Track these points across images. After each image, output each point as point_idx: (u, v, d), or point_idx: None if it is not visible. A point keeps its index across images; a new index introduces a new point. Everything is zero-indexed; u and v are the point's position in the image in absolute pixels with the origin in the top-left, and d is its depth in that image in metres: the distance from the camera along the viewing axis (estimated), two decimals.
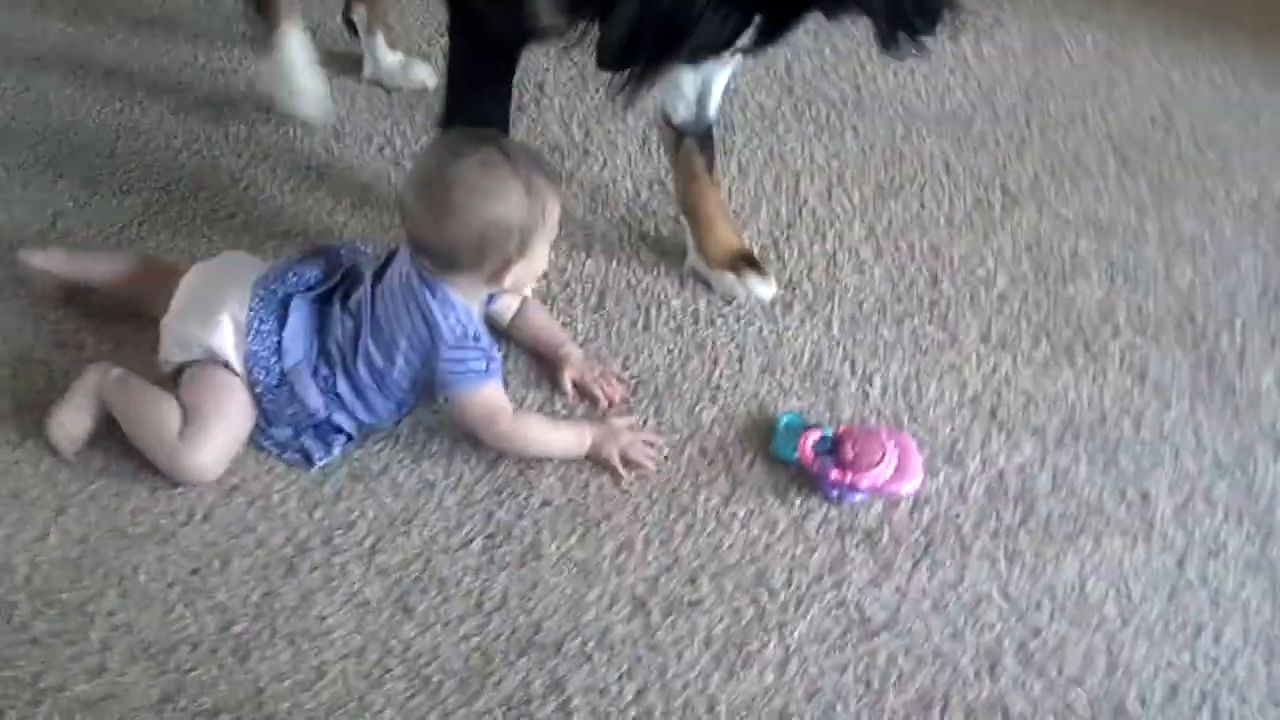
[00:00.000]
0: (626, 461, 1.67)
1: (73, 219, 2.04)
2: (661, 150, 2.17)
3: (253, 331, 1.66)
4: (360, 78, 2.32)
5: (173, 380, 1.72)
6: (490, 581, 1.55)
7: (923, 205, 2.10)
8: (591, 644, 1.49)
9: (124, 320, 1.85)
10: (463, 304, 1.63)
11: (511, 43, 1.72)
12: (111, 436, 1.69)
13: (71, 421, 1.67)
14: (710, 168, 1.90)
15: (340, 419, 1.69)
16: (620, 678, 1.46)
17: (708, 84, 1.80)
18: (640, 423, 1.74)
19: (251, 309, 1.67)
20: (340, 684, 1.45)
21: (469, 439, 1.69)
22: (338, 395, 1.68)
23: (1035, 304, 1.92)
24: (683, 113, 1.83)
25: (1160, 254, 2.01)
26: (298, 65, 2.15)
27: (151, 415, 1.66)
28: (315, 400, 1.67)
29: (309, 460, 1.67)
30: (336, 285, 1.72)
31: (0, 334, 1.85)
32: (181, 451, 1.63)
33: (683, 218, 1.96)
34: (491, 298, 1.74)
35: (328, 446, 1.68)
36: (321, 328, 1.69)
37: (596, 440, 1.68)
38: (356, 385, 1.67)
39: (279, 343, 1.67)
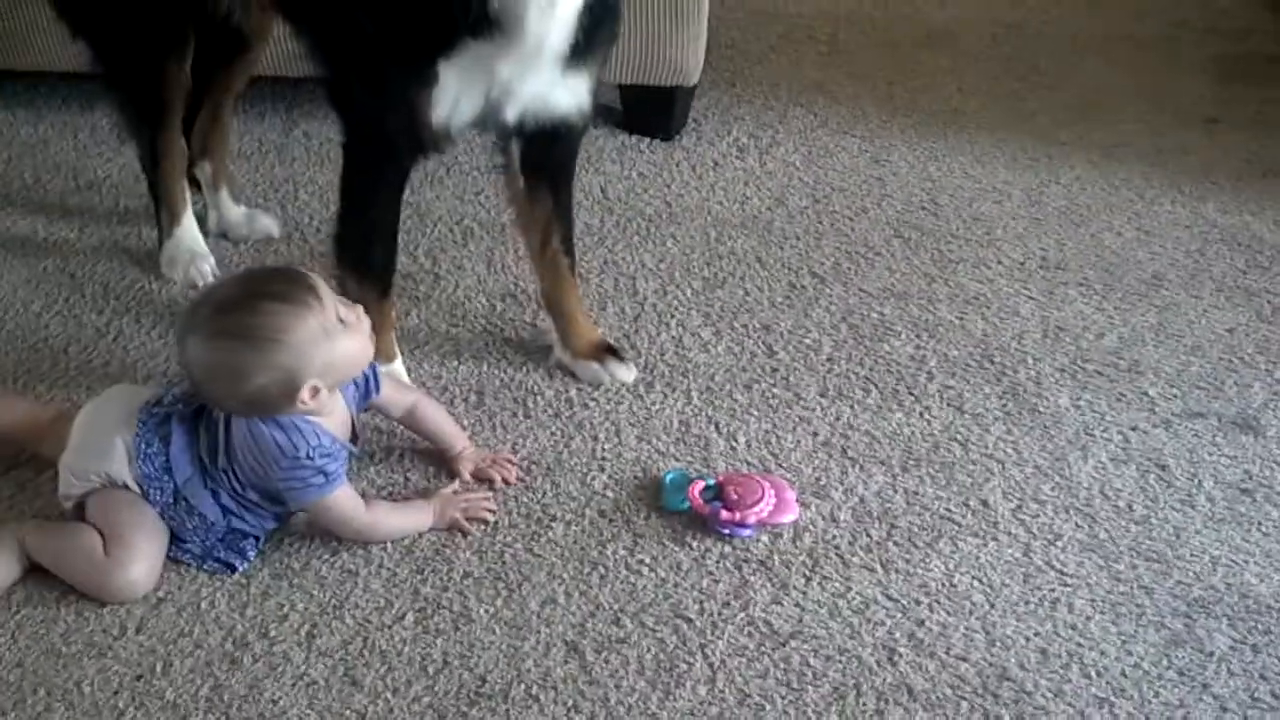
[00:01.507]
0: (470, 518, 1.81)
1: None
2: (505, 267, 2.38)
3: (141, 455, 1.72)
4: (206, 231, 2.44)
5: (75, 516, 1.77)
6: (429, 648, 1.65)
7: (746, 293, 2.34)
8: (535, 687, 1.60)
9: (18, 466, 1.90)
10: (293, 424, 1.69)
11: (406, 153, 1.88)
12: (28, 576, 1.73)
13: (2, 572, 1.70)
14: (572, 269, 2.10)
15: (239, 524, 1.76)
16: (569, 712, 1.57)
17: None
18: (460, 485, 1.88)
19: (137, 434, 1.73)
20: None
21: None
22: (226, 505, 1.75)
23: (859, 361, 2.17)
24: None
25: (952, 311, 2.30)
26: (194, 246, 2.35)
27: (75, 546, 1.71)
28: (213, 512, 1.74)
29: (231, 569, 1.74)
30: (205, 405, 1.78)
31: None
32: (112, 571, 1.68)
33: (546, 315, 2.14)
34: (364, 398, 1.84)
35: (242, 553, 1.75)
36: (195, 445, 1.75)
37: (438, 511, 1.81)
38: (237, 498, 1.75)
39: (166, 461, 1.73)
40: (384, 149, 1.86)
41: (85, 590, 1.69)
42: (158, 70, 2.15)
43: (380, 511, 1.80)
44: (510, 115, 1.82)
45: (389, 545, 1.79)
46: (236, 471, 1.73)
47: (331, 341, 1.67)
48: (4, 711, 1.56)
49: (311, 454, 1.68)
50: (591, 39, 1.75)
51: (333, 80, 1.92)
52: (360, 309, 1.75)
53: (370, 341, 1.76)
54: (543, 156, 1.99)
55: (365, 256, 1.91)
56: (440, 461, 1.94)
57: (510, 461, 1.93)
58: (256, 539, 1.77)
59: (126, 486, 1.74)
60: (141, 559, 1.69)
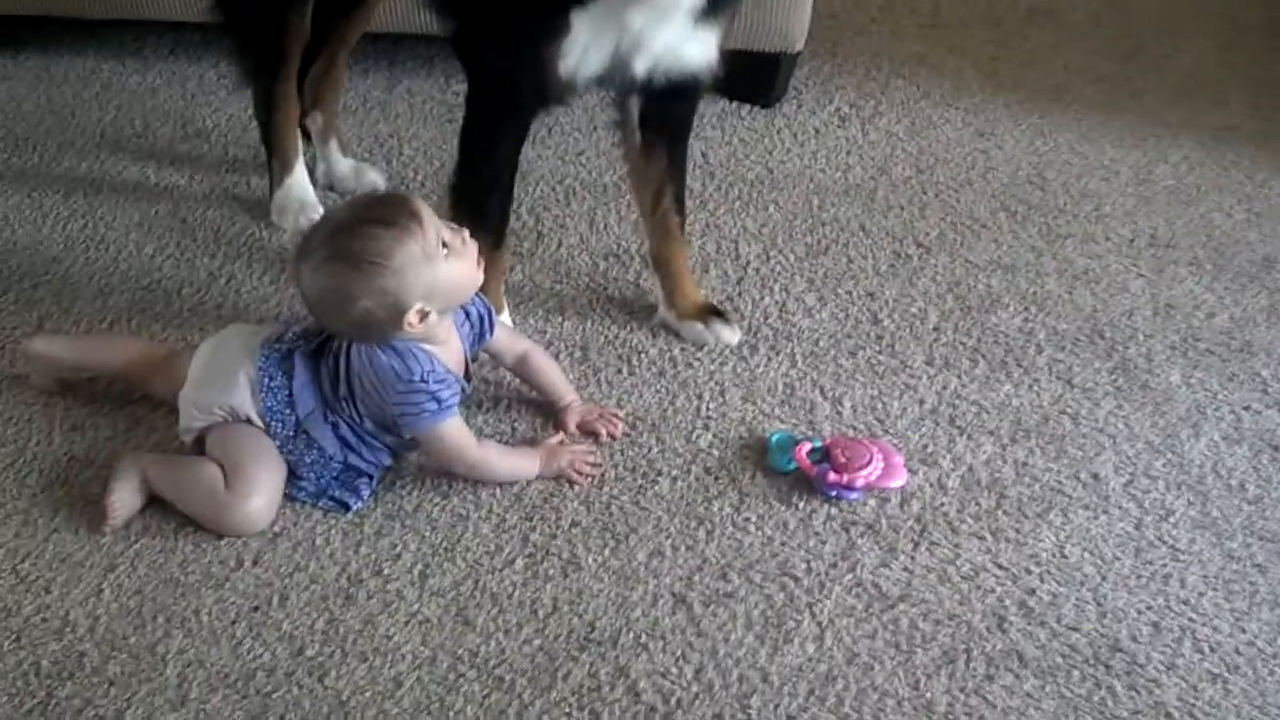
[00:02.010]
0: (577, 470, 1.83)
1: (60, 319, 2.12)
2: (608, 226, 2.38)
3: (264, 389, 1.76)
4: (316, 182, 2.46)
5: (195, 450, 1.80)
6: (539, 592, 1.66)
7: (850, 260, 2.33)
8: (644, 636, 1.61)
9: (133, 403, 1.93)
10: (408, 349, 1.72)
11: (530, 105, 1.88)
12: (146, 508, 1.77)
13: (124, 502, 1.74)
14: (682, 228, 2.09)
15: (356, 460, 1.79)
16: (677, 661, 1.58)
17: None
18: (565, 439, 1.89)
19: (260, 368, 1.77)
20: (419, 690, 1.53)
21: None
22: (345, 439, 1.78)
23: (966, 332, 2.15)
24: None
25: (1061, 285, 2.28)
26: (304, 196, 2.37)
27: (196, 478, 1.74)
28: (331, 445, 1.77)
29: (345, 507, 1.77)
30: (328, 338, 1.81)
31: (14, 425, 1.91)
32: (233, 503, 1.71)
33: (652, 274, 2.14)
34: (478, 339, 1.86)
35: (356, 492, 1.78)
36: (317, 379, 1.79)
37: (544, 460, 1.83)
38: (355, 430, 1.78)
39: (289, 395, 1.76)
40: (509, 100, 1.86)
41: (205, 522, 1.73)
42: (279, 19, 2.16)
43: (491, 450, 1.82)
44: (640, 68, 1.81)
45: (498, 492, 1.81)
46: (356, 400, 1.75)
47: (434, 265, 1.68)
48: (125, 636, 1.59)
49: (425, 377, 1.70)
50: None
51: (459, 30, 1.92)
52: (466, 233, 1.75)
53: (477, 268, 1.76)
54: (663, 113, 1.98)
55: (482, 207, 1.92)
56: (547, 413, 1.95)
57: (616, 416, 1.94)
58: (371, 478, 1.80)
59: (249, 420, 1.77)
60: (261, 492, 1.72)
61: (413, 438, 1.78)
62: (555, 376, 1.96)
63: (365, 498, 1.78)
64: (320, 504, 1.77)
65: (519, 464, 1.83)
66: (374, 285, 1.65)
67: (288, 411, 1.77)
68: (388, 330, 1.70)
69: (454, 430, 1.77)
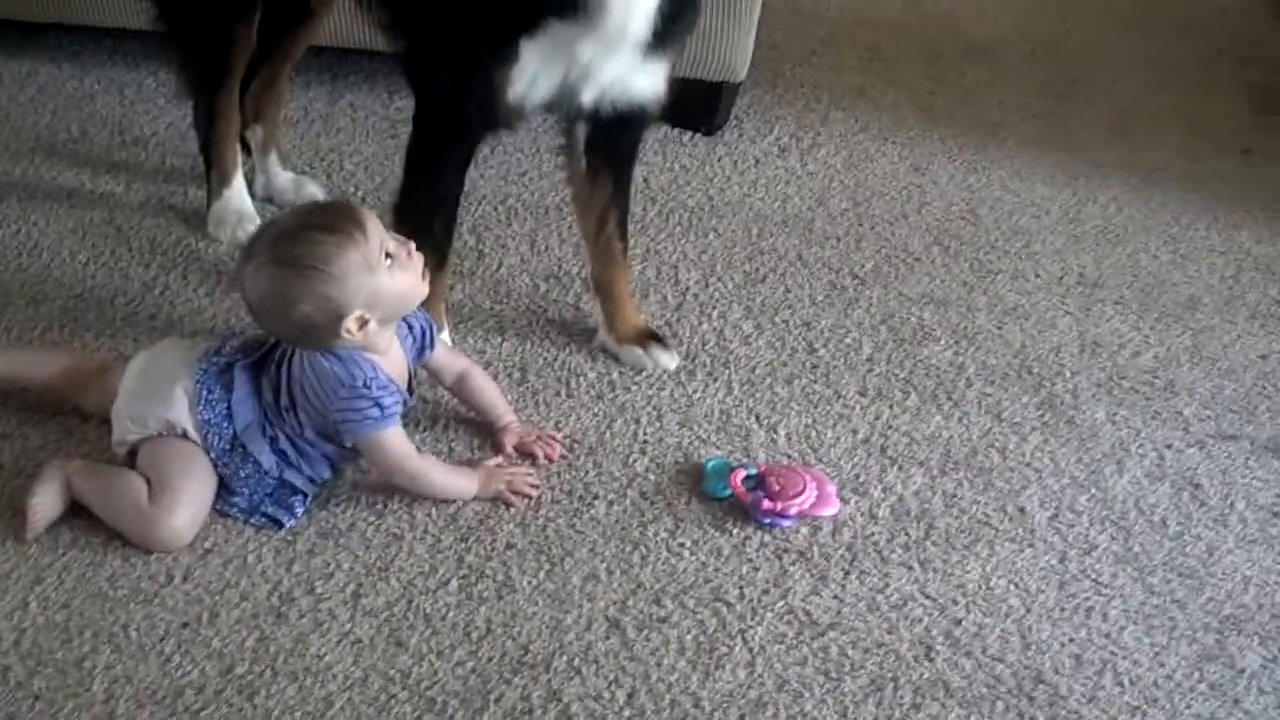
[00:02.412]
0: (514, 491, 1.83)
1: None
2: (549, 248, 2.40)
3: (202, 401, 1.75)
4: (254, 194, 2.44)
5: (127, 464, 1.78)
6: (473, 614, 1.67)
7: (787, 289, 2.36)
8: (577, 660, 1.62)
9: (64, 414, 1.91)
10: (351, 356, 1.73)
11: (478, 129, 1.89)
12: (74, 517, 1.74)
13: (46, 506, 1.71)
14: (625, 254, 2.11)
15: (291, 476, 1.78)
16: (610, 685, 1.59)
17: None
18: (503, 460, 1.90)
19: (198, 380, 1.76)
20: (350, 711, 1.53)
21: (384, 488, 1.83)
22: (283, 452, 1.78)
23: (898, 364, 2.19)
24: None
25: (991, 320, 2.32)
26: (243, 208, 2.36)
27: (120, 489, 1.73)
28: (268, 460, 1.77)
29: (278, 524, 1.75)
30: (269, 351, 1.82)
31: None
32: (156, 517, 1.69)
33: (593, 297, 2.16)
34: (420, 353, 1.86)
35: (290, 509, 1.77)
36: (260, 393, 1.79)
37: (482, 481, 1.83)
38: (294, 443, 1.78)
39: (228, 408, 1.76)
40: (456, 122, 1.88)
41: (128, 535, 1.71)
42: (225, 31, 2.16)
43: (431, 463, 1.83)
44: (588, 97, 1.83)
45: (433, 512, 1.81)
46: (297, 409, 1.75)
47: (375, 275, 1.70)
48: (51, 650, 1.57)
49: (369, 383, 1.71)
50: (673, 25, 1.77)
51: (410, 51, 1.93)
52: (412, 246, 1.76)
53: (422, 281, 1.77)
54: (610, 140, 2.00)
55: (426, 227, 1.92)
56: (485, 434, 1.96)
57: (554, 438, 1.95)
58: (305, 496, 1.79)
59: (185, 434, 1.75)
60: (185, 507, 1.71)
61: (354, 446, 1.78)
62: (494, 397, 1.96)
63: (299, 515, 1.77)
64: (253, 520, 1.76)
65: (458, 482, 1.83)
66: (314, 290, 1.67)
67: (225, 425, 1.76)
68: (327, 336, 1.70)
69: (395, 439, 1.77)
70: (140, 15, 2.26)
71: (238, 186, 2.35)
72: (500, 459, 1.90)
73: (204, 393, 1.75)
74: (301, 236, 1.69)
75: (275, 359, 1.79)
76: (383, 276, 1.70)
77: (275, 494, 1.78)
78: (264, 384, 1.78)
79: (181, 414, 1.75)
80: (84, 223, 2.38)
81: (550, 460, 1.92)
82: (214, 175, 2.34)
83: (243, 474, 1.76)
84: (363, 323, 1.70)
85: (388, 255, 1.71)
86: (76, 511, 1.74)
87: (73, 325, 2.11)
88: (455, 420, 1.98)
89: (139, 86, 2.85)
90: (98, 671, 1.55)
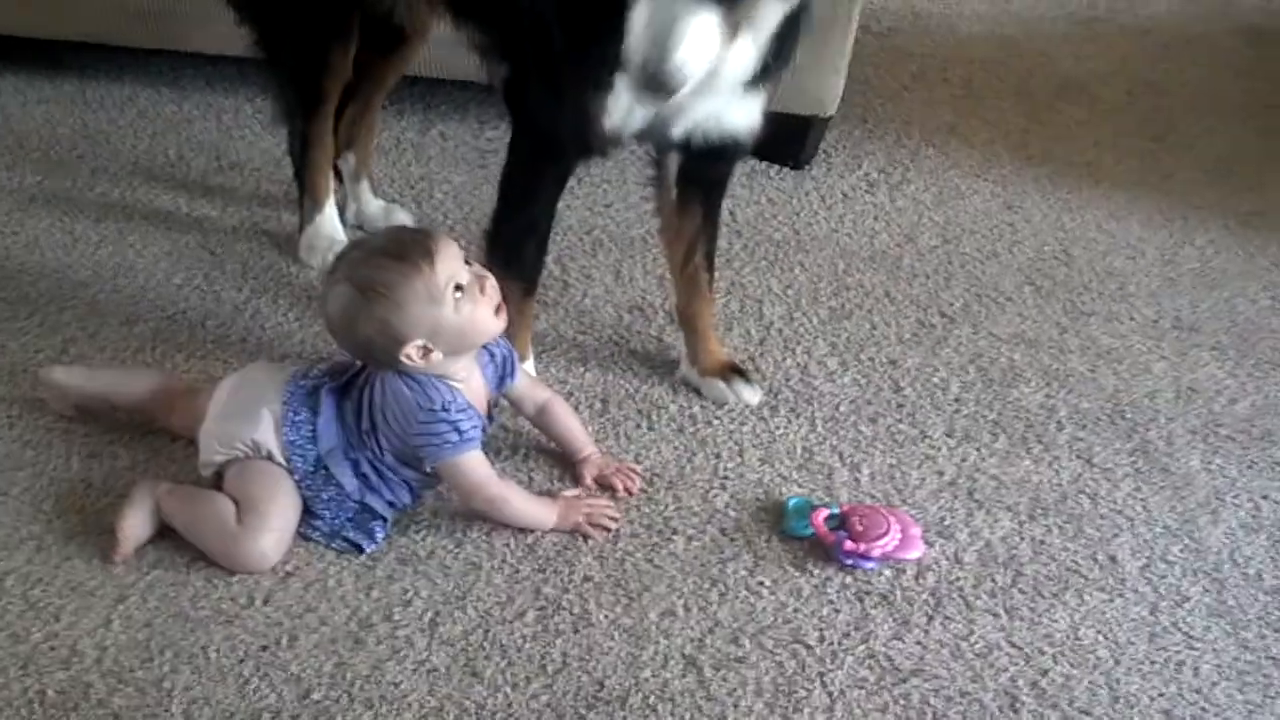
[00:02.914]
0: (593, 524, 1.82)
1: (84, 345, 2.13)
2: (633, 279, 2.39)
3: (288, 422, 1.77)
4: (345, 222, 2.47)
5: (213, 486, 1.80)
6: (549, 647, 1.65)
7: (873, 326, 2.33)
8: (653, 697, 1.60)
9: (152, 434, 1.94)
10: (430, 381, 1.74)
11: (573, 155, 1.89)
12: (159, 538, 1.77)
13: (135, 529, 1.74)
14: (710, 286, 2.10)
15: (372, 500, 1.79)
16: None
17: (669, 23, 1.54)
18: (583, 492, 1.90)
19: (285, 402, 1.79)
20: None
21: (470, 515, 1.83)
22: (365, 476, 1.79)
23: (987, 405, 2.15)
24: (644, 51, 1.56)
25: (1084, 363, 2.27)
26: (334, 234, 2.38)
27: (208, 512, 1.74)
28: (350, 483, 1.78)
29: (358, 549, 1.76)
30: (355, 375, 1.84)
31: (33, 449, 1.91)
32: (243, 540, 1.71)
33: (677, 329, 2.15)
34: (501, 381, 1.87)
35: (370, 534, 1.78)
36: (341, 415, 1.80)
37: (561, 513, 1.83)
38: (376, 467, 1.79)
39: (313, 430, 1.78)
40: (552, 148, 1.88)
41: (215, 557, 1.72)
42: (321, 58, 2.19)
43: (511, 489, 1.82)
44: (680, 129, 1.83)
45: (511, 542, 1.80)
46: (378, 434, 1.76)
47: (438, 306, 1.71)
48: (132, 669, 1.58)
49: (447, 406, 1.72)
50: (773, 62, 1.76)
51: (510, 78, 1.94)
52: (490, 281, 1.77)
53: (496, 317, 1.77)
54: (701, 172, 1.99)
55: (518, 253, 1.93)
56: (564, 464, 1.95)
57: (634, 471, 1.93)
58: (385, 520, 1.79)
59: (270, 456, 1.77)
60: (272, 530, 1.73)
61: (434, 471, 1.78)
62: (574, 427, 1.95)
63: (379, 540, 1.78)
64: (334, 545, 1.77)
65: (537, 511, 1.83)
66: (375, 314, 1.70)
67: (309, 446, 1.77)
68: (387, 359, 1.73)
69: (474, 463, 1.77)
70: (238, 42, 2.30)
71: (329, 213, 2.38)
72: (579, 490, 1.89)
73: (290, 414, 1.77)
74: (372, 260, 1.73)
75: (359, 384, 1.81)
76: (446, 309, 1.71)
77: (356, 518, 1.79)
78: (347, 408, 1.80)
79: (267, 435, 1.77)
80: (179, 245, 2.42)
81: (629, 493, 1.90)
82: (307, 201, 2.37)
83: (325, 496, 1.77)
84: (425, 351, 1.71)
85: (458, 288, 1.72)
86: (162, 532, 1.76)
87: (165, 346, 2.14)
88: (535, 450, 1.98)
89: (236, 112, 2.90)
90: (176, 692, 1.56)
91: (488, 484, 1.79)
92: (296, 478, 1.77)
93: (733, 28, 1.59)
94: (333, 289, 1.74)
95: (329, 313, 1.76)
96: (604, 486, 1.91)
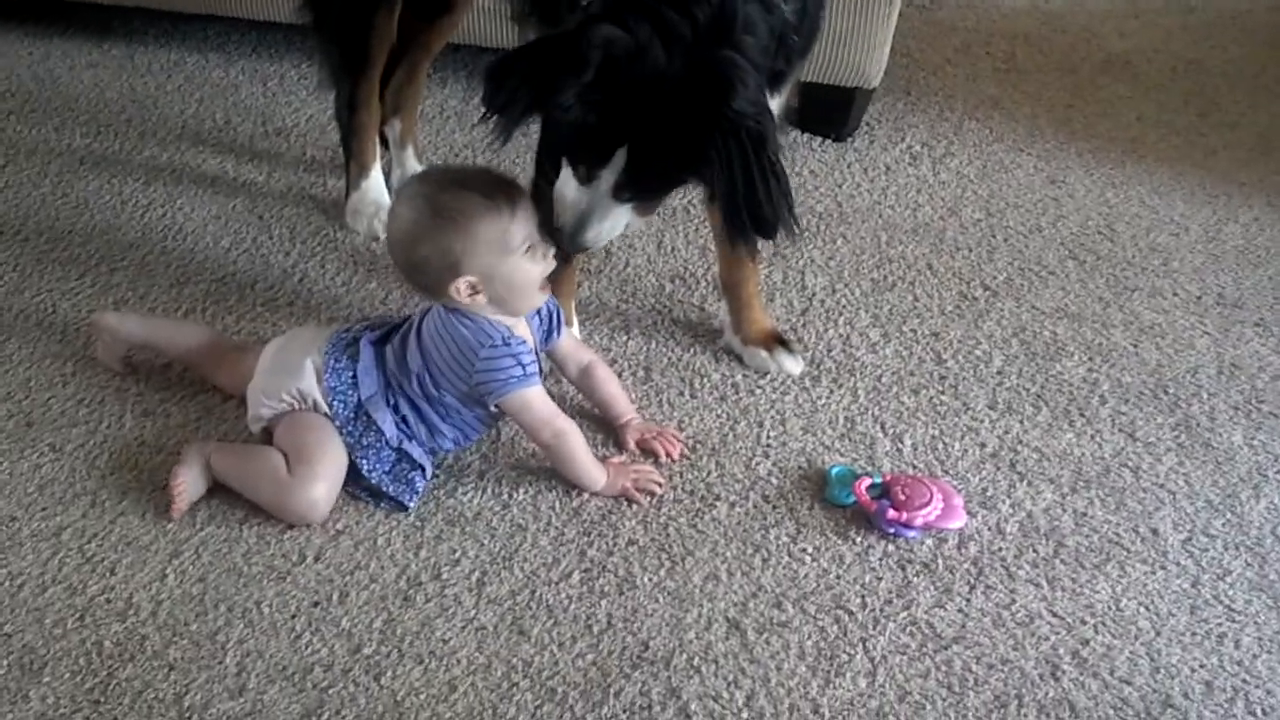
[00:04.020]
0: (640, 489, 1.84)
1: (136, 306, 2.16)
2: (675, 250, 2.40)
3: (329, 370, 1.80)
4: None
5: (264, 439, 1.83)
6: (594, 608, 1.68)
7: (916, 298, 2.33)
8: (697, 659, 1.62)
9: (204, 392, 1.96)
10: (485, 320, 1.76)
11: None
12: (211, 495, 1.80)
13: (189, 486, 1.77)
14: (753, 255, 2.10)
15: (410, 448, 1.80)
16: (729, 686, 1.59)
17: (589, 211, 1.73)
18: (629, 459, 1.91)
19: (326, 352, 1.82)
20: (472, 696, 1.55)
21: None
22: (406, 422, 1.81)
23: (1030, 378, 2.15)
24: (565, 220, 1.75)
25: (1127, 338, 2.27)
26: (380, 200, 2.40)
27: (260, 465, 1.77)
28: (390, 428, 1.79)
29: (401, 506, 1.78)
30: (395, 327, 1.88)
31: (87, 406, 1.95)
32: (295, 489, 1.74)
33: (721, 298, 2.16)
34: (547, 336, 1.89)
35: (410, 485, 1.79)
36: (381, 363, 1.83)
37: (611, 477, 1.84)
38: (419, 410, 1.80)
39: (353, 377, 1.80)
40: None
41: (268, 508, 1.75)
42: (367, 21, 2.20)
43: (575, 434, 1.82)
44: None
45: (557, 505, 1.82)
46: (431, 371, 1.78)
47: (504, 254, 1.74)
48: (186, 622, 1.62)
49: (508, 340, 1.74)
50: (792, 57, 1.76)
51: None
52: (552, 256, 1.79)
53: (542, 287, 1.80)
54: None
55: (554, 222, 1.94)
56: (606, 429, 1.97)
57: (675, 437, 1.95)
58: (424, 470, 1.80)
59: (315, 406, 1.80)
60: (322, 479, 1.75)
61: (499, 408, 1.80)
62: (616, 391, 1.97)
63: (419, 491, 1.80)
64: (380, 505, 1.79)
65: (592, 465, 1.83)
66: (439, 237, 1.72)
67: (350, 392, 1.80)
68: (435, 286, 1.75)
69: (541, 396, 1.80)
70: (284, 8, 2.32)
71: (376, 178, 2.39)
72: (625, 456, 1.91)
73: (331, 362, 1.80)
74: (456, 190, 1.75)
75: (401, 330, 1.84)
76: (512, 258, 1.74)
77: (395, 469, 1.80)
78: (387, 354, 1.82)
79: (311, 385, 1.80)
80: (227, 209, 2.45)
81: (671, 459, 1.92)
82: (353, 166, 2.39)
83: (365, 442, 1.79)
84: (473, 290, 1.74)
85: (528, 245, 1.74)
86: (214, 490, 1.80)
87: (214, 308, 2.17)
88: (577, 415, 1.98)
89: (282, 78, 2.92)
90: (230, 645, 1.59)
91: (556, 417, 1.81)
92: (338, 424, 1.79)
93: (648, 211, 1.78)
94: (405, 203, 1.77)
95: (395, 225, 1.78)
96: (646, 451, 1.93)
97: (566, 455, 1.82)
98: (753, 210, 1.64)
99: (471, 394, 1.79)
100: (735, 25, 1.58)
